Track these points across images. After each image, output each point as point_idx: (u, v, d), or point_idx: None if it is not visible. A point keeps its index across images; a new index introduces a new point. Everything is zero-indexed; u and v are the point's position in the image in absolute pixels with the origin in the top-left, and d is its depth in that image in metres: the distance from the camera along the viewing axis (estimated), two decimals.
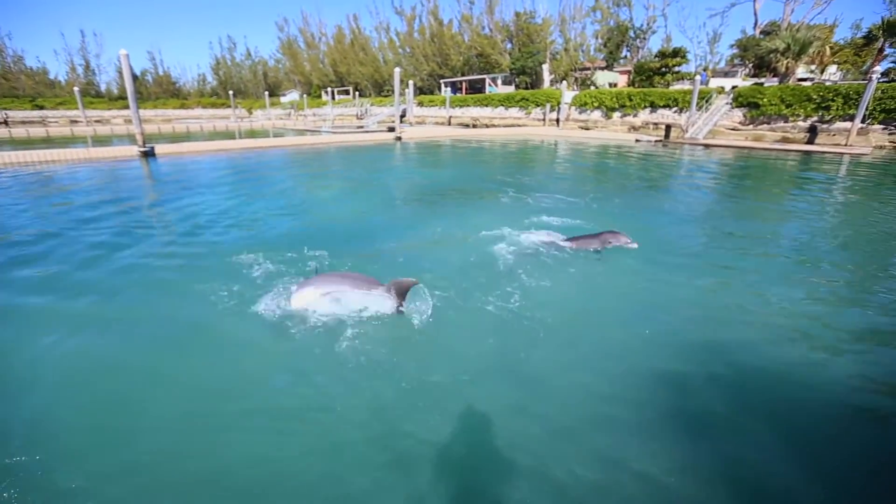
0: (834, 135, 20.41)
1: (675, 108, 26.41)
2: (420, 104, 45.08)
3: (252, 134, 32.30)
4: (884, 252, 6.60)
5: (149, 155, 16.56)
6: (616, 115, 29.63)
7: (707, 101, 24.70)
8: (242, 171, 14.47)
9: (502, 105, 37.29)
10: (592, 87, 35.85)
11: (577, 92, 33.32)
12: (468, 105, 40.32)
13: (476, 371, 3.52)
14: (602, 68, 40.71)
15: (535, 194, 10.09)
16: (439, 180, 13.13)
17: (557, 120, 32.89)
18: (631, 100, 28.63)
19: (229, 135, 30.80)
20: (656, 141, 23.10)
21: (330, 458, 2.70)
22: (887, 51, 27.77)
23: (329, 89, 56.47)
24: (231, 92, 54.66)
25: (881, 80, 20.33)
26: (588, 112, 31.29)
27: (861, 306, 4.75)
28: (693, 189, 11.96)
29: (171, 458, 2.70)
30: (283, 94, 68.51)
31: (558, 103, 32.74)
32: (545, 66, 40.37)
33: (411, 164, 17.41)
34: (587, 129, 30.88)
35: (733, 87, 25.51)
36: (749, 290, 5.07)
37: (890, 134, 19.38)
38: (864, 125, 19.58)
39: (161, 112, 58.37)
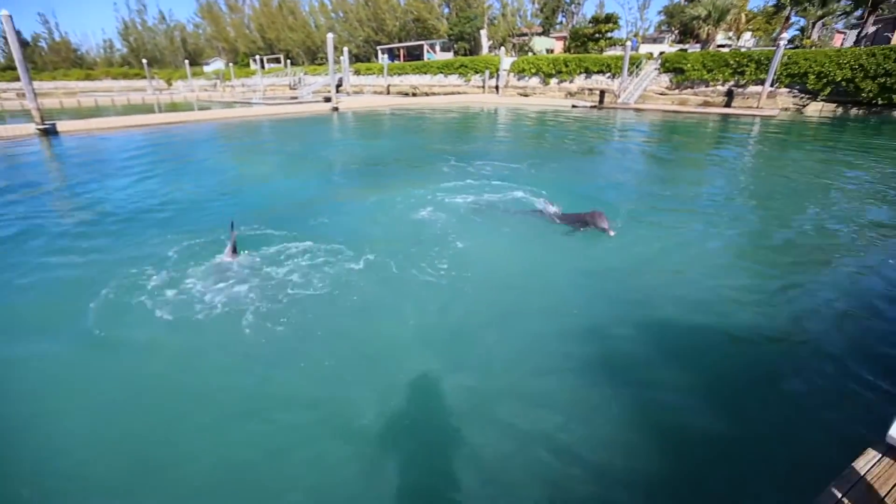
0: (748, 98, 21.99)
1: (608, 74, 27.18)
2: (357, 72, 43.27)
3: (174, 107, 29.69)
4: (793, 200, 7.33)
5: (49, 133, 14.80)
6: (553, 81, 30.06)
7: (637, 67, 25.62)
8: (164, 149, 13.33)
9: (441, 72, 36.63)
10: (530, 54, 36.01)
11: (515, 58, 33.32)
12: (406, 73, 39.23)
13: (415, 338, 3.58)
14: (539, 34, 40.87)
15: (476, 162, 10.14)
16: (380, 151, 12.83)
17: (497, 87, 32.87)
18: (567, 66, 29.09)
19: (147, 109, 28.13)
20: (591, 106, 23.78)
21: (270, 445, 2.62)
22: (793, 18, 29.98)
23: (258, 57, 52.64)
24: (145, 61, 49.66)
25: (787, 47, 21.98)
26: (526, 78, 31.49)
27: (772, 252, 5.27)
28: (626, 151, 12.53)
29: (91, 471, 2.49)
30: (207, 63, 63.05)
31: (497, 70, 32.65)
32: (483, 32, 39.87)
33: (350, 136, 16.84)
34: (526, 95, 31.16)
35: (661, 53, 26.60)
36: (674, 246, 5.47)
37: (794, 97, 21.17)
38: (773, 88, 21.22)
39: (62, 84, 52.00)
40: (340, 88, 35.42)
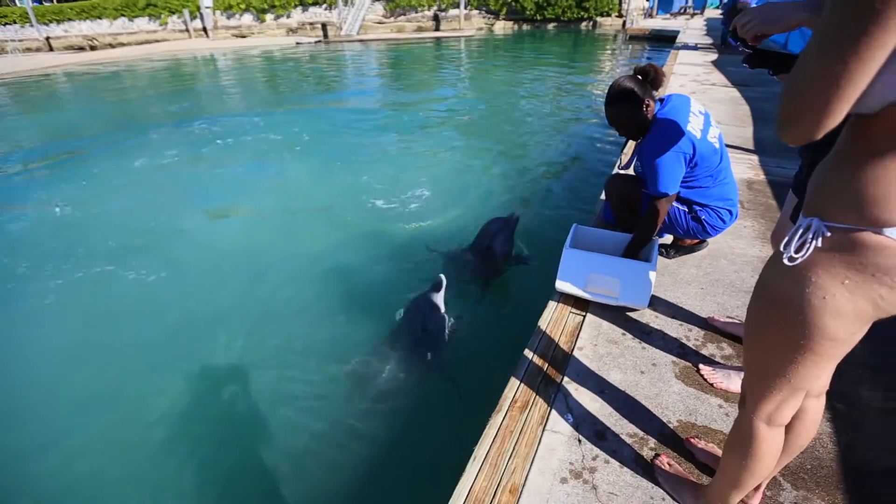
0: (451, 21, 24.54)
1: (324, 6, 26.15)
2: None
3: None
4: (504, 101, 8.81)
5: None
6: (269, 17, 27.34)
7: None
8: None
9: (123, 14, 28.99)
10: None
11: None
12: (70, 18, 29.64)
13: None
14: None
15: (198, 122, 8.70)
16: (56, 132, 9.69)
17: (205, 29, 28.09)
18: None
19: None
20: (316, 42, 22.83)
21: None
22: None
23: None
24: None
25: None
26: (238, 16, 27.73)
27: (496, 144, 6.24)
28: (364, 81, 12.69)
29: None
30: None
31: (198, 9, 27.66)
32: None
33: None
34: (243, 36, 27.67)
35: None
36: (413, 160, 5.94)
37: (484, 17, 24.61)
38: (467, 11, 24.14)
39: None
40: None
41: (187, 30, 28.10)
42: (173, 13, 28.08)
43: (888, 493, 1.36)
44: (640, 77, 2.10)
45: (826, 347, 0.85)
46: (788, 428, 1.08)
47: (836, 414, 1.60)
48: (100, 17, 29.26)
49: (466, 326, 2.91)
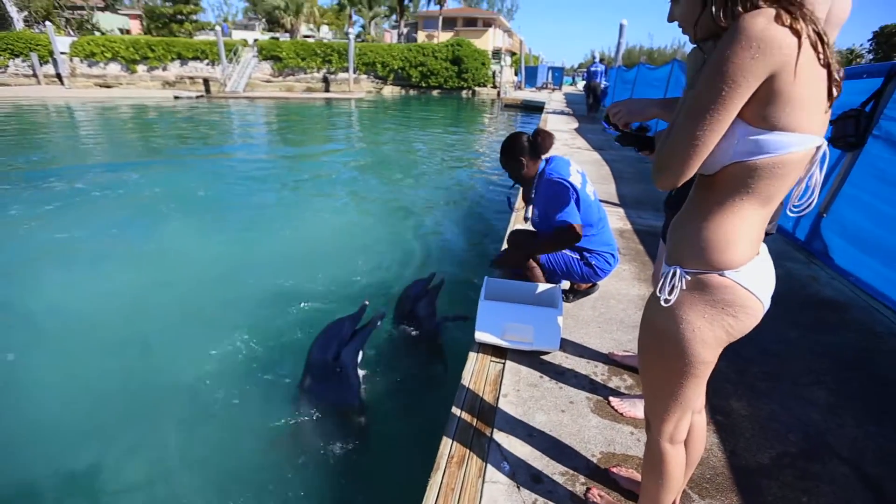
0: (341, 83, 25.35)
1: (206, 61, 25.26)
2: None
3: None
4: (399, 159, 9.12)
5: None
6: (141, 68, 25.49)
7: (236, 55, 24.89)
8: None
9: None
10: (98, 34, 28.94)
11: (75, 38, 26.05)
12: None
13: None
14: (102, 9, 33.18)
15: (50, 177, 7.55)
16: None
17: (59, 76, 25.10)
18: (153, 50, 25.12)
19: None
20: (198, 97, 21.72)
21: None
22: (355, 17, 35.85)
23: None
24: None
25: (358, 41, 26.31)
26: (102, 65, 25.38)
27: (394, 205, 6.36)
28: (251, 138, 12.30)
29: None
30: None
31: (51, 54, 24.76)
32: (9, 1, 28.95)
33: None
34: (108, 86, 25.24)
35: (255, 41, 26.70)
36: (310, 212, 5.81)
37: (372, 81, 25.89)
38: (356, 75, 25.23)
39: None
40: None
41: (35, 75, 24.83)
42: (16, 56, 24.70)
43: (766, 483, 1.63)
44: (532, 137, 2.45)
45: (701, 370, 1.05)
46: (685, 444, 1.26)
47: (719, 426, 1.89)
48: None
49: (398, 391, 2.84)
